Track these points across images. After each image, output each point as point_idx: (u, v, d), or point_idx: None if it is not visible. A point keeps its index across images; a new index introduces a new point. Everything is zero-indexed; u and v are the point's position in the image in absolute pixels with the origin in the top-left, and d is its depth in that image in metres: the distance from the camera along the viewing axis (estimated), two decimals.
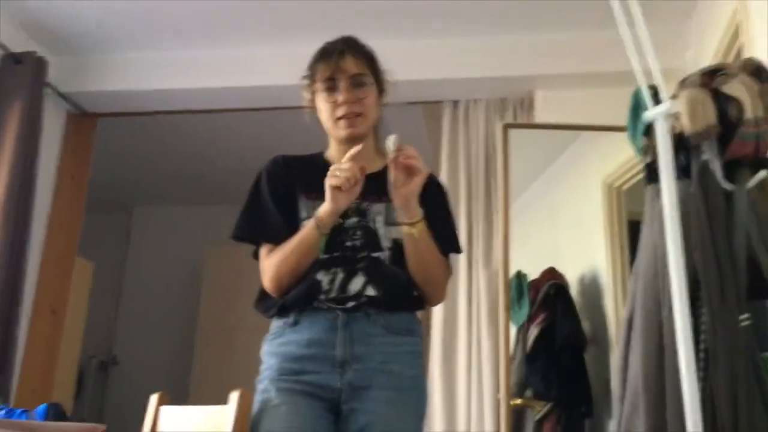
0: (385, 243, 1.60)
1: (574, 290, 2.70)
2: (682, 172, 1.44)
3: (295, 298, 1.57)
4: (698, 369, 1.28)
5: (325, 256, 1.58)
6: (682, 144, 1.44)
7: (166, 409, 1.64)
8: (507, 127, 2.80)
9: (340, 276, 1.57)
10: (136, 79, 3.30)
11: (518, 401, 2.56)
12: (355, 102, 1.64)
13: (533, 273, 2.70)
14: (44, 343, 3.19)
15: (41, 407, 2.20)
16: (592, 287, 2.72)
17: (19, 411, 2.21)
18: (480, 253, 2.96)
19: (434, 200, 1.65)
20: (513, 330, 2.67)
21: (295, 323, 1.56)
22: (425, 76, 3.08)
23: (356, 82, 1.64)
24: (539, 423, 2.58)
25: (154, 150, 4.38)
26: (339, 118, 1.64)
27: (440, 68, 3.09)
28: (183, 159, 4.49)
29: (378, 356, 1.53)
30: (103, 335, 5.10)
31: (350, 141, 1.62)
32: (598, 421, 2.54)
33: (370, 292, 1.56)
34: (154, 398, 1.66)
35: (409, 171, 1.52)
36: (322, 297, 1.56)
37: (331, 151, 1.72)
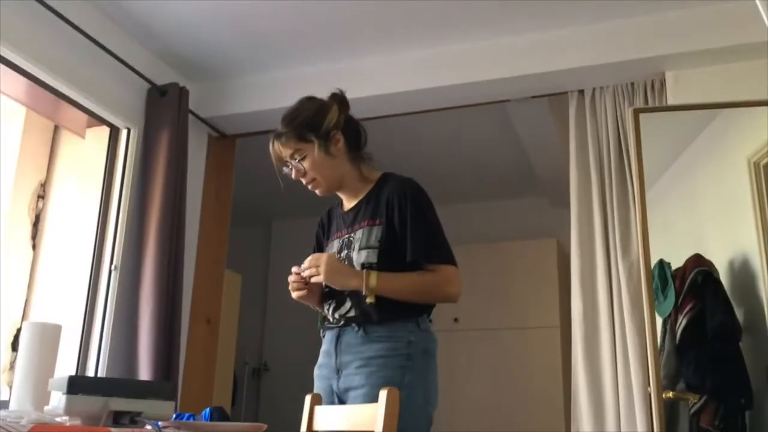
0: (357, 268, 1.84)
1: (723, 277, 2.56)
2: None
3: (319, 321, 1.98)
4: None
5: (326, 289, 1.91)
6: None
7: (320, 409, 1.72)
8: (638, 111, 2.70)
9: (333, 305, 1.90)
10: (268, 99, 3.46)
11: (670, 394, 2.46)
12: (303, 175, 1.94)
13: (677, 261, 2.59)
14: (202, 352, 3.41)
15: (206, 411, 2.35)
16: (743, 273, 2.57)
17: (187, 415, 2.38)
18: (617, 243, 2.88)
19: (401, 215, 1.85)
20: (659, 321, 2.57)
21: (323, 338, 1.97)
22: (547, 68, 3.05)
23: (293, 160, 1.93)
24: (695, 416, 2.47)
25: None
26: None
27: (561, 58, 3.03)
28: None
29: (357, 362, 1.81)
30: (254, 343, 5.39)
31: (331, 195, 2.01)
32: (759, 413, 2.39)
33: (352, 313, 1.85)
34: (308, 399, 1.75)
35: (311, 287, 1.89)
36: (327, 320, 1.92)
37: None
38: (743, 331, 2.50)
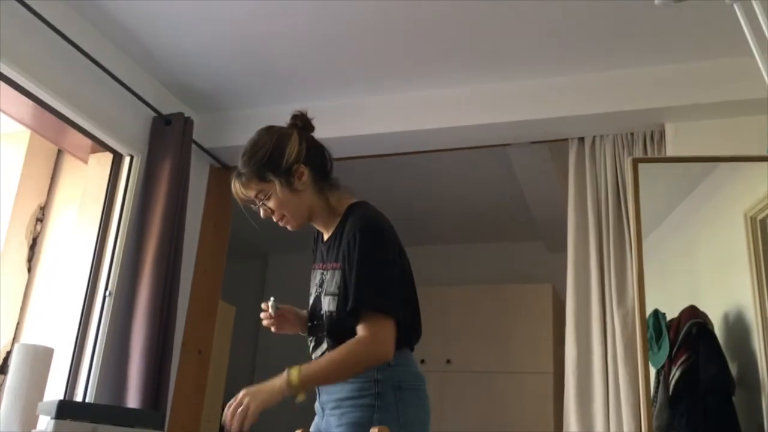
0: (324, 312, 1.82)
1: (718, 330, 2.56)
2: None
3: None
4: None
5: (309, 324, 1.90)
6: None
7: None
8: (637, 161, 2.73)
9: (312, 344, 1.89)
10: None
11: None
12: (270, 214, 1.86)
13: (672, 312, 2.58)
14: (192, 382, 3.38)
15: None
16: (737, 326, 2.56)
17: None
18: (613, 291, 2.88)
19: (349, 261, 1.76)
20: (652, 371, 2.56)
21: None
22: (549, 114, 3.08)
23: (259, 200, 1.84)
24: None
25: None
26: None
27: (563, 105, 3.08)
28: None
29: (331, 403, 1.80)
30: (244, 376, 5.33)
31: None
32: None
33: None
34: None
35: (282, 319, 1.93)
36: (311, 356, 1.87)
37: None
38: (737, 385, 2.49)
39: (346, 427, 1.73)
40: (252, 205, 1.87)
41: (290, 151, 1.81)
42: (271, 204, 1.82)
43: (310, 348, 1.91)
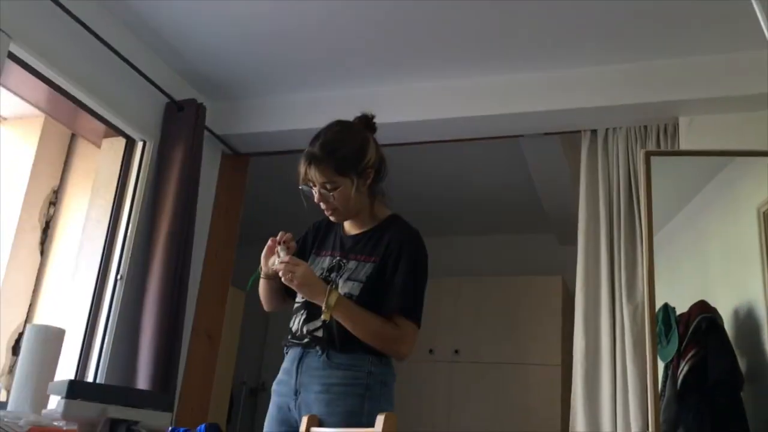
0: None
1: (727, 325, 2.55)
2: None
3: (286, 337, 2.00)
4: None
5: (299, 301, 1.97)
6: None
7: (316, 430, 1.72)
8: (649, 154, 2.71)
9: (304, 317, 1.94)
10: (283, 121, 3.51)
11: None
12: (327, 202, 1.94)
13: (681, 306, 2.58)
14: (201, 366, 3.41)
15: (201, 426, 2.33)
16: (748, 322, 2.55)
17: (182, 429, 2.36)
18: (623, 284, 2.87)
19: (395, 262, 1.90)
20: (661, 365, 2.56)
21: (285, 354, 1.99)
22: (562, 105, 3.07)
23: (324, 188, 1.91)
24: None
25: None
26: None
27: (577, 97, 3.06)
28: None
29: (317, 386, 1.85)
30: (253, 363, 5.37)
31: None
32: None
33: (320, 333, 1.89)
34: (305, 420, 1.75)
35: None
36: (292, 335, 1.96)
37: None
38: (745, 380, 2.48)
39: (341, 416, 1.79)
40: (307, 187, 1.94)
41: (369, 157, 1.95)
42: (335, 195, 1.91)
43: (299, 320, 1.95)
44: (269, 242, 1.96)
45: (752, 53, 2.76)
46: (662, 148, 2.99)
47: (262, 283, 2.07)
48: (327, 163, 1.89)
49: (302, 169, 1.92)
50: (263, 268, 2.00)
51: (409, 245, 1.93)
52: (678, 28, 2.77)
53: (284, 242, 1.93)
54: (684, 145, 2.91)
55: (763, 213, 2.59)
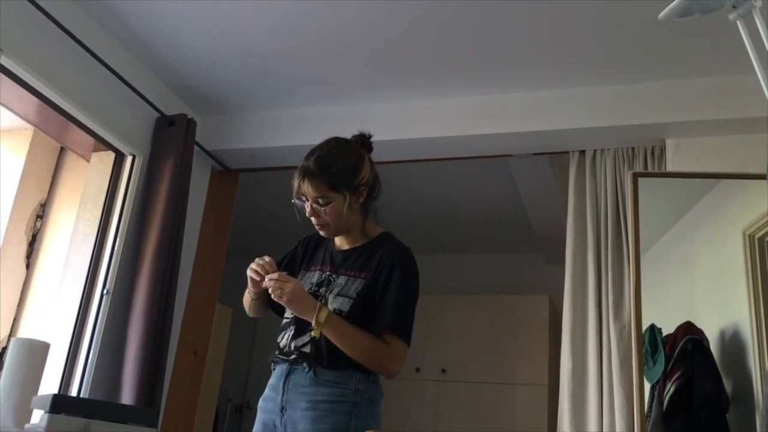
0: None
1: (713, 346, 2.56)
2: None
3: (273, 353, 1.98)
4: None
5: (288, 317, 1.97)
6: None
7: None
8: (637, 175, 2.74)
9: (292, 333, 1.93)
10: (273, 137, 3.51)
11: None
12: (318, 217, 1.95)
13: (668, 327, 2.59)
14: (187, 383, 3.38)
15: None
16: (733, 344, 2.57)
17: None
18: (610, 304, 2.88)
19: (387, 278, 1.91)
20: (647, 386, 2.56)
21: (272, 370, 1.98)
22: (550, 126, 3.10)
23: (316, 203, 1.92)
24: None
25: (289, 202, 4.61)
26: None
27: (565, 118, 3.09)
28: None
29: (303, 404, 1.84)
30: (239, 380, 5.33)
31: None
32: None
33: (307, 349, 1.88)
34: None
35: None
36: (279, 351, 1.95)
37: None
38: (731, 402, 2.49)
39: None
40: (299, 201, 1.96)
41: (364, 174, 1.96)
42: (327, 210, 1.92)
43: (288, 336, 1.94)
44: (254, 274, 1.93)
45: (739, 77, 2.80)
46: (649, 169, 3.02)
47: (248, 295, 2.07)
48: (321, 178, 1.91)
49: (296, 182, 1.94)
50: (252, 291, 2.00)
51: (401, 262, 1.94)
52: (665, 51, 2.81)
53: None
54: (671, 167, 2.94)
55: (749, 235, 2.62)
